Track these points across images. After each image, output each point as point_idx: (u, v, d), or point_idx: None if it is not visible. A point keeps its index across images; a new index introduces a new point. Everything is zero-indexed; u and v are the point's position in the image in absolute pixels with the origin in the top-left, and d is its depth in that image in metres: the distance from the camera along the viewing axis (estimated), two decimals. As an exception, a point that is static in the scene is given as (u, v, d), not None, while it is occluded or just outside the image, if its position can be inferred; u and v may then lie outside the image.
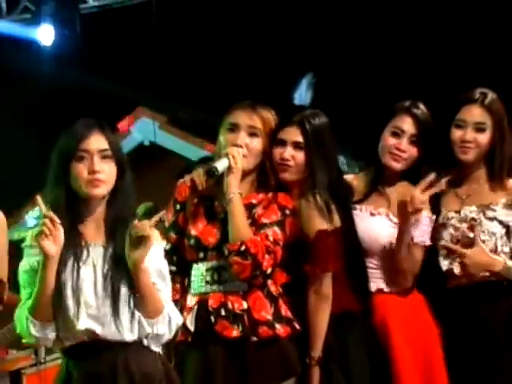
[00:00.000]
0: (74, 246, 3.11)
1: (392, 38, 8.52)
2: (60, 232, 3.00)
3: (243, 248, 3.47)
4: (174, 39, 9.35)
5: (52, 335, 3.06)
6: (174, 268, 3.54)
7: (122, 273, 3.14)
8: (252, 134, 3.64)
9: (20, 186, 9.23)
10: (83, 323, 3.05)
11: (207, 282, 3.50)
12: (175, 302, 3.38)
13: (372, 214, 3.84)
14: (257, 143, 3.64)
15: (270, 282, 3.61)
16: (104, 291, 3.11)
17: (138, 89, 7.32)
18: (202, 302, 3.47)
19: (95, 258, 3.17)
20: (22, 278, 3.17)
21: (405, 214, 3.67)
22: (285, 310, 3.61)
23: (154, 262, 3.20)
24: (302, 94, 4.10)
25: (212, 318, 3.46)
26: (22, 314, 3.08)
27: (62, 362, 3.23)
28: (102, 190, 3.13)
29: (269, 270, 3.55)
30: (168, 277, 3.27)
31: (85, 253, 3.16)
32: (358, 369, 3.69)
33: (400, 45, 8.47)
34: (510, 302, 3.75)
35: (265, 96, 3.83)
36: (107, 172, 3.13)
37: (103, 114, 3.49)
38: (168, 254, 3.43)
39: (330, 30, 8.64)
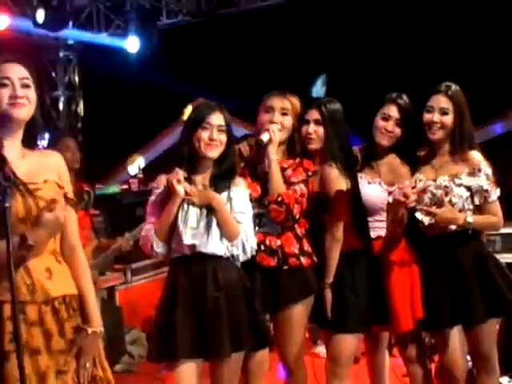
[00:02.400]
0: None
1: (379, 45, 8.59)
2: (184, 182, 3.21)
3: (279, 199, 3.56)
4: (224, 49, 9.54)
5: (166, 250, 3.30)
6: None
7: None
8: (284, 114, 3.70)
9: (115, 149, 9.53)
10: (188, 240, 3.25)
11: None
12: None
13: (369, 183, 3.87)
14: (287, 121, 3.71)
15: (296, 225, 3.68)
16: (202, 219, 3.26)
17: (199, 84, 7.43)
18: None
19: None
20: (149, 208, 3.38)
21: (396, 212, 3.71)
22: (307, 247, 3.69)
23: (237, 202, 3.34)
24: (318, 89, 4.12)
25: (254, 251, 3.47)
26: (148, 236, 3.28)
27: (168, 270, 3.41)
28: (216, 152, 3.31)
29: (297, 216, 3.62)
30: (248, 212, 3.38)
31: None
32: (363, 290, 3.74)
33: (388, 50, 8.53)
34: (476, 245, 3.78)
35: (291, 89, 3.84)
36: (222, 140, 3.31)
37: (177, 108, 3.65)
38: None
39: (338, 37, 8.70)
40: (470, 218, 3.66)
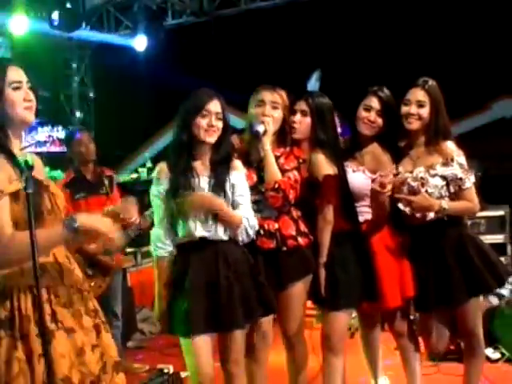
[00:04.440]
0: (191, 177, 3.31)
1: (370, 44, 8.66)
2: None
3: (276, 186, 3.55)
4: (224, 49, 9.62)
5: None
6: None
7: (220, 196, 3.30)
8: (274, 108, 3.66)
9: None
10: (199, 232, 3.28)
11: None
12: None
13: (353, 171, 3.83)
14: (278, 114, 3.66)
15: (292, 209, 3.68)
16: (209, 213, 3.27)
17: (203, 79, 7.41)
18: None
19: (203, 185, 3.32)
20: (155, 202, 3.35)
21: (377, 198, 3.74)
22: (303, 227, 3.68)
23: (238, 186, 3.36)
24: (312, 84, 4.10)
25: (254, 236, 3.50)
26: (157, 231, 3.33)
27: (177, 253, 3.35)
28: (214, 137, 3.30)
29: (293, 201, 3.62)
30: (247, 194, 3.40)
31: (197, 181, 3.31)
32: (353, 269, 3.73)
33: (377, 49, 8.60)
34: (457, 230, 3.77)
35: (288, 83, 3.81)
36: (220, 126, 3.29)
37: (182, 101, 3.56)
38: None
39: (332, 35, 8.78)
40: (445, 204, 3.65)
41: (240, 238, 3.35)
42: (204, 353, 3.26)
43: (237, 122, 4.15)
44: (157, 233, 3.37)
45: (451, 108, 3.90)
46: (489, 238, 6.91)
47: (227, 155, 3.39)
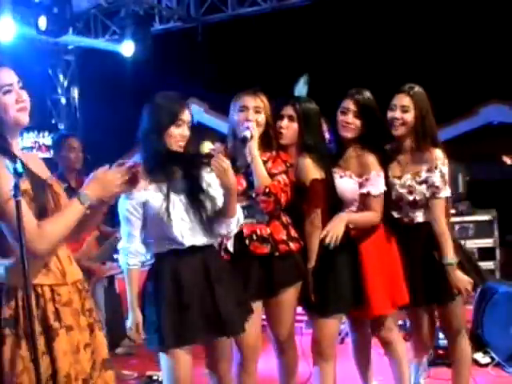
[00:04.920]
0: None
1: (358, 50, 8.62)
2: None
3: (267, 190, 3.53)
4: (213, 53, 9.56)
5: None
6: None
7: (201, 195, 3.23)
8: (257, 112, 3.64)
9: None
10: (188, 241, 3.20)
11: None
12: None
13: (341, 177, 3.80)
14: (261, 118, 3.64)
15: (282, 214, 3.67)
16: (189, 211, 3.21)
17: (190, 85, 7.37)
18: (238, 231, 3.45)
19: (181, 190, 3.22)
20: (126, 216, 3.23)
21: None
22: (294, 233, 3.67)
23: (212, 183, 3.28)
24: (300, 88, 4.04)
25: (247, 241, 3.53)
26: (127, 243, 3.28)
27: (159, 263, 3.25)
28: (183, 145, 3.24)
29: (284, 204, 3.61)
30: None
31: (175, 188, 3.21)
32: (343, 275, 3.74)
33: (366, 55, 8.58)
34: (425, 228, 3.82)
35: (275, 88, 3.75)
36: (188, 135, 3.22)
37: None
38: None
39: (320, 41, 8.75)
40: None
41: (233, 228, 3.30)
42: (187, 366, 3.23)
43: (223, 126, 4.08)
44: (126, 245, 3.28)
45: (439, 113, 3.91)
46: (477, 243, 6.99)
47: (195, 157, 3.32)
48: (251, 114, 3.63)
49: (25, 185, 2.46)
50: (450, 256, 3.76)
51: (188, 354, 3.22)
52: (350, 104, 3.82)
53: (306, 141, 3.74)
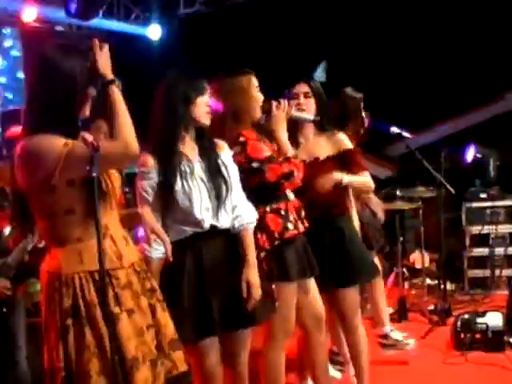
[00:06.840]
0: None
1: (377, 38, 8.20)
2: None
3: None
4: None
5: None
6: None
7: (219, 180, 3.17)
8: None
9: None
10: (208, 222, 3.13)
11: None
12: None
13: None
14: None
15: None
16: (212, 193, 3.16)
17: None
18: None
19: (198, 172, 3.15)
20: (146, 197, 3.14)
21: None
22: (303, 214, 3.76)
23: (229, 165, 3.25)
24: (319, 74, 4.34)
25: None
26: None
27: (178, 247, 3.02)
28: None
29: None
30: (237, 175, 3.29)
31: (191, 169, 3.13)
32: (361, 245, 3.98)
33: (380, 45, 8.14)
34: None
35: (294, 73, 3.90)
36: None
37: None
38: None
39: (340, 28, 8.36)
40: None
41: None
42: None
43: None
44: None
45: (468, 98, 3.90)
46: (509, 227, 6.93)
47: (211, 137, 3.23)
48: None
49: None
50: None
51: (215, 344, 3.17)
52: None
53: (327, 115, 3.88)
